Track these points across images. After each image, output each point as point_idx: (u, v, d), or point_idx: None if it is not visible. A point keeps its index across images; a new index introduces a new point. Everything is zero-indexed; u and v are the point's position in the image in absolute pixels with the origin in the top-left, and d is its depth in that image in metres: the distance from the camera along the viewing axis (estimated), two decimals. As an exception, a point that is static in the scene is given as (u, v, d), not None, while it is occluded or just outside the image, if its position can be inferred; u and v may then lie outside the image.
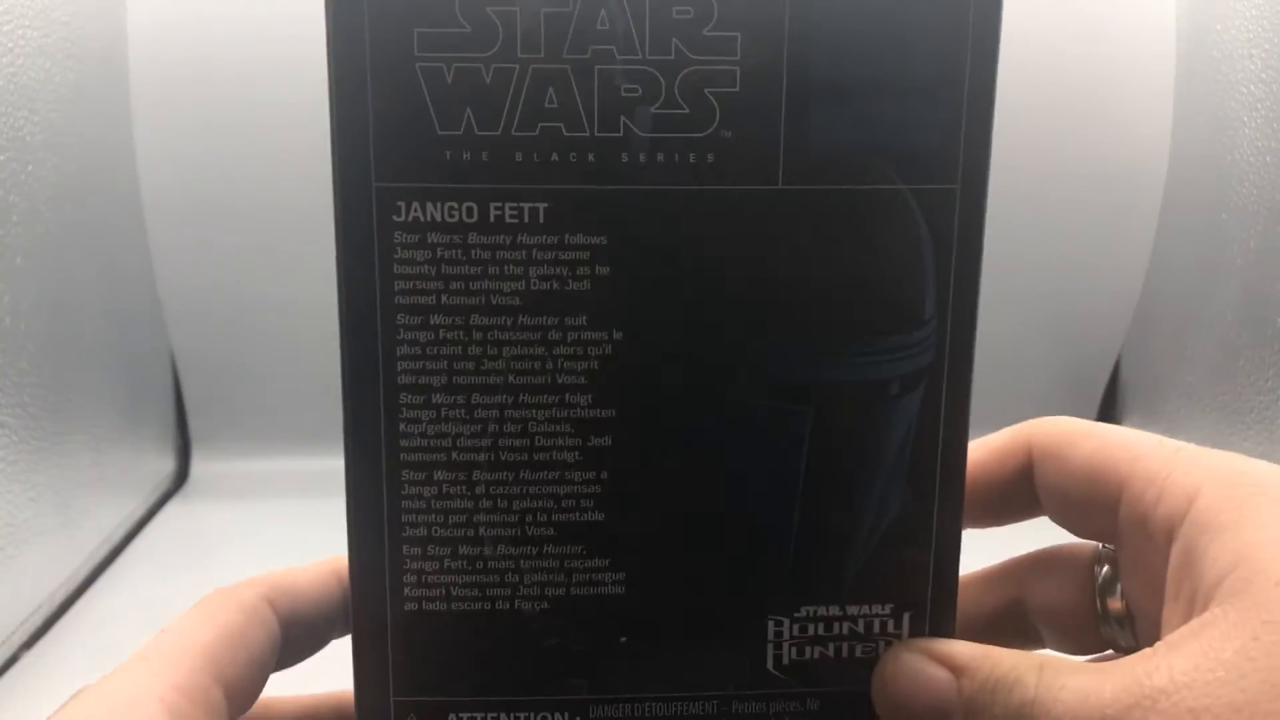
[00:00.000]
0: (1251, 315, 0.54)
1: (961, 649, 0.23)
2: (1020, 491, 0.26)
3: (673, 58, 0.22)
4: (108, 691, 0.21)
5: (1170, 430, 0.63)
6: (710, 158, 0.22)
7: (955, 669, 0.23)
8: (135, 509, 0.61)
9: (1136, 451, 0.24)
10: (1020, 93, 0.63)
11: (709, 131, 0.22)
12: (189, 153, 0.63)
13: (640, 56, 0.22)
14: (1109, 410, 0.72)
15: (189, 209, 0.64)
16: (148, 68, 0.62)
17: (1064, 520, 0.26)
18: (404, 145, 0.22)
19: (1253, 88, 0.55)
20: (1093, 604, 0.26)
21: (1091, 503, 0.24)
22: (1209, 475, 0.22)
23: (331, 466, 0.61)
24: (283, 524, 0.58)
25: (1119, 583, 0.25)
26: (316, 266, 0.61)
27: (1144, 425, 0.68)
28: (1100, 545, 0.26)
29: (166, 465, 0.67)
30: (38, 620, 0.49)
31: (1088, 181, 0.66)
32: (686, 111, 0.22)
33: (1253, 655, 0.19)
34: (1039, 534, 0.27)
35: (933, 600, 0.25)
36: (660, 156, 0.22)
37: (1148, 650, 0.20)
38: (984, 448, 0.26)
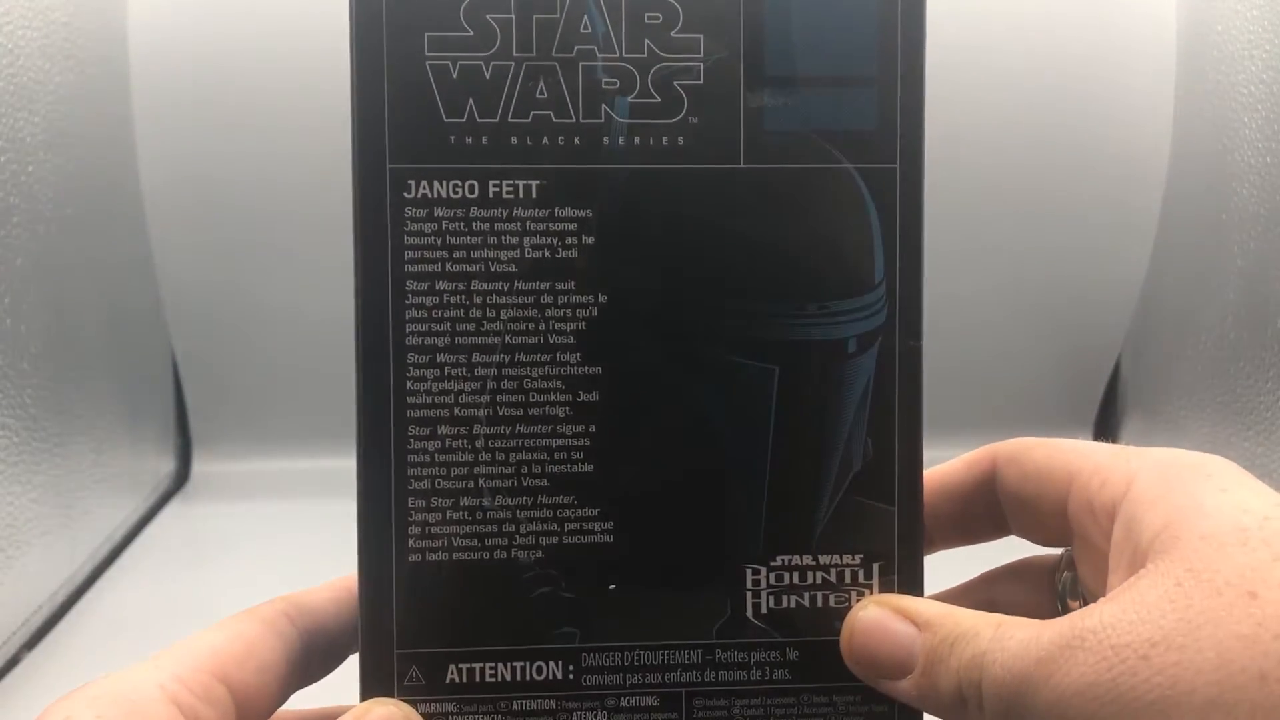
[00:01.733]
0: (1251, 315, 0.54)
1: (925, 606, 0.25)
2: (986, 501, 0.28)
3: (645, 55, 0.25)
4: (111, 679, 0.23)
5: (1170, 430, 0.63)
6: (680, 140, 0.25)
7: (919, 624, 0.25)
8: (136, 509, 0.61)
9: (1084, 451, 0.26)
10: (1021, 93, 0.65)
11: (678, 118, 0.25)
12: (189, 153, 0.64)
13: (618, 54, 0.25)
14: (1109, 410, 0.72)
15: (190, 210, 0.64)
16: (148, 68, 0.63)
17: (1024, 526, 0.28)
18: (414, 131, 0.25)
19: (1253, 89, 0.56)
20: (1055, 607, 0.28)
21: (1044, 500, 0.26)
22: (1147, 461, 0.24)
23: (332, 467, 0.56)
24: (283, 524, 0.58)
25: (1079, 585, 0.27)
26: (317, 267, 0.63)
27: (1144, 425, 0.68)
28: (1062, 553, 0.28)
29: (167, 465, 0.67)
30: (39, 621, 0.49)
31: (1088, 182, 0.66)
32: (658, 101, 0.25)
33: (1173, 598, 0.21)
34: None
35: (900, 551, 0.26)
36: (637, 140, 0.25)
37: (1089, 605, 0.22)
38: (952, 462, 0.29)
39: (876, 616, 0.25)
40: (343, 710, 0.25)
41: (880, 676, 0.25)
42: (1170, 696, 0.20)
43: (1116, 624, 0.21)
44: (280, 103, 0.62)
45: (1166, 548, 0.22)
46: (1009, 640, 0.22)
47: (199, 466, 0.68)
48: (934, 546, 0.29)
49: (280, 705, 0.25)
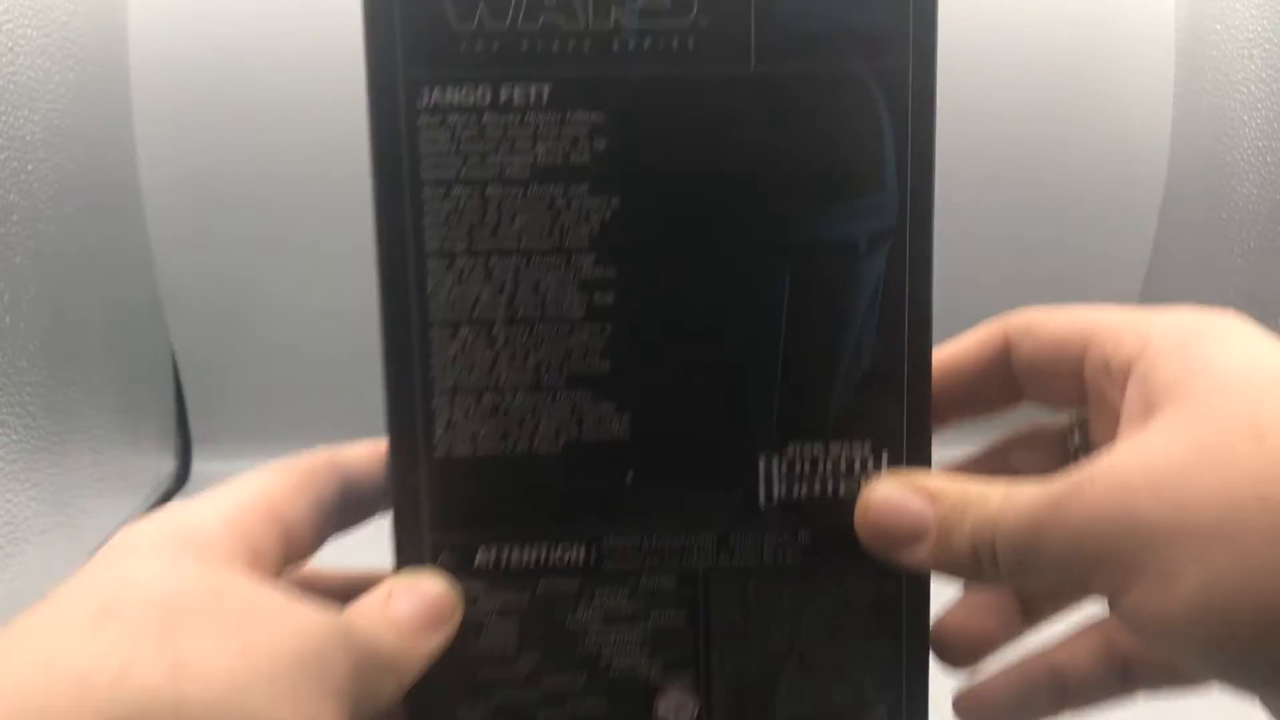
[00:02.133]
0: (1251, 315, 0.54)
1: (936, 479, 0.26)
2: (999, 373, 0.29)
3: (655, -45, 0.25)
4: (176, 510, 0.25)
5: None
6: (691, 43, 0.25)
7: (930, 495, 0.26)
8: (136, 508, 0.61)
9: (1099, 314, 0.27)
10: (1021, 93, 0.65)
11: (689, 20, 0.25)
12: (190, 151, 0.63)
13: (628, -45, 0.25)
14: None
15: (190, 208, 0.64)
16: (148, 67, 0.62)
17: (1039, 392, 0.29)
18: (426, 39, 0.25)
19: (1252, 87, 0.56)
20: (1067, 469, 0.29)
21: (1061, 364, 0.27)
22: (1163, 321, 0.25)
23: None
24: None
25: (1090, 444, 0.28)
26: (317, 265, 0.64)
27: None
28: (1073, 414, 0.29)
29: (167, 465, 0.67)
30: None
31: (1088, 182, 0.66)
32: (669, 3, 0.25)
33: (1182, 440, 0.22)
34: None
35: (908, 439, 0.27)
36: (647, 43, 0.25)
37: (1099, 452, 0.23)
38: (964, 339, 0.29)
39: (890, 491, 0.26)
40: (377, 575, 0.28)
41: (896, 547, 0.26)
42: (1179, 525, 0.21)
43: (1127, 464, 0.22)
44: (280, 101, 0.62)
45: (1176, 398, 0.23)
46: (1019, 496, 0.24)
47: (199, 466, 0.68)
48: (948, 422, 0.30)
49: (320, 545, 0.27)
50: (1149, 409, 0.23)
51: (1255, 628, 0.20)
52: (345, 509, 0.28)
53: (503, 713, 0.28)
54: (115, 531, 0.57)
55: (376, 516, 0.29)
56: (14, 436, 0.46)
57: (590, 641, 0.28)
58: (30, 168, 0.49)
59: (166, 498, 0.65)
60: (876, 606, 0.28)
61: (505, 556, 0.27)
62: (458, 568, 0.27)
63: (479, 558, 0.27)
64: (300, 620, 0.23)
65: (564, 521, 0.27)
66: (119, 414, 0.59)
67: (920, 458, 0.27)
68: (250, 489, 0.26)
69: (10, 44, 0.47)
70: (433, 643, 0.26)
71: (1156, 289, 0.67)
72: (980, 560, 0.24)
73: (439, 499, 0.27)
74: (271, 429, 0.67)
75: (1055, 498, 0.23)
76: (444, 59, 0.25)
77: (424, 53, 0.25)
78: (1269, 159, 0.54)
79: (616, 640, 0.28)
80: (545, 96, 0.26)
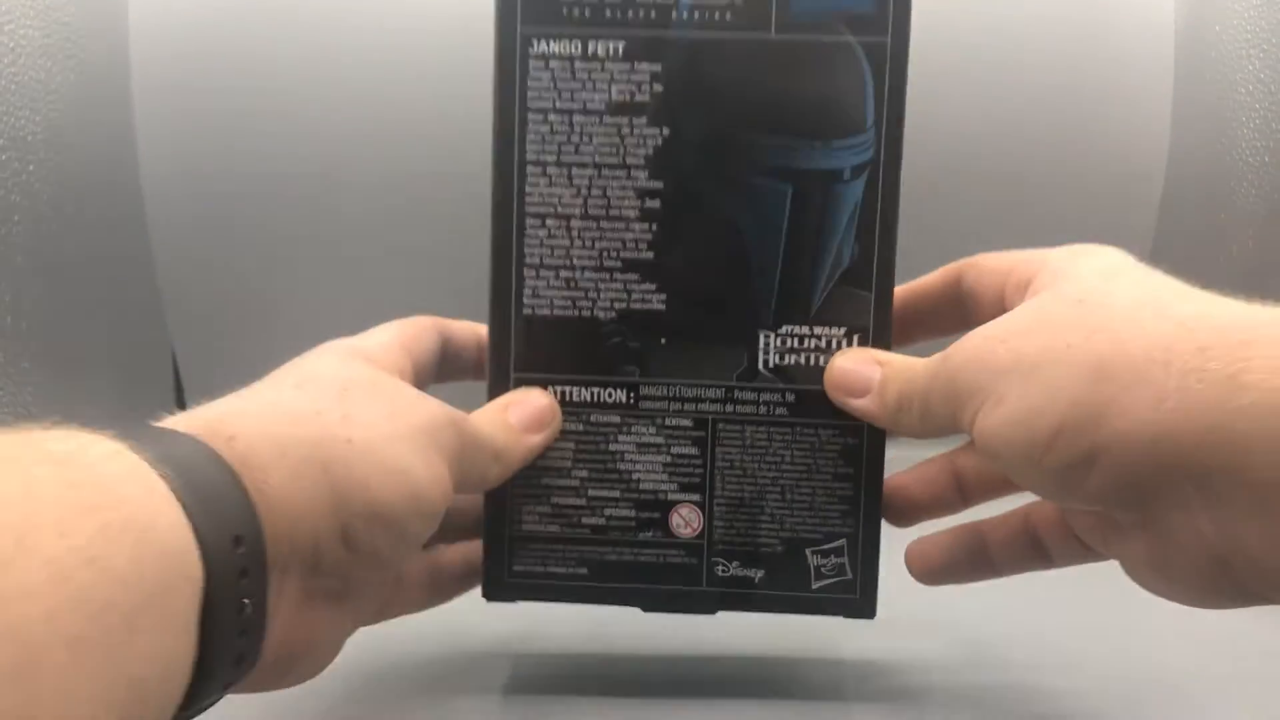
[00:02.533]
0: None
1: (885, 353, 0.35)
2: (953, 300, 0.37)
3: (705, -48, 0.35)
4: (343, 342, 0.35)
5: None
6: (728, 16, 0.35)
7: (879, 362, 0.35)
8: None
9: (1023, 252, 0.35)
10: (1019, 94, 0.65)
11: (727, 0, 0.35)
12: (190, 152, 0.63)
13: (685, -49, 0.35)
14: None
15: (190, 209, 0.64)
16: (149, 68, 0.62)
17: (978, 315, 0.36)
18: (538, 6, 0.35)
19: (1251, 88, 0.58)
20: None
21: (993, 287, 0.35)
22: (1060, 250, 0.33)
23: None
24: None
25: None
26: (318, 266, 0.65)
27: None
28: None
29: None
30: None
31: (1086, 182, 0.66)
32: (714, -13, 0.35)
33: (1031, 310, 0.31)
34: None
35: (874, 327, 0.36)
36: (696, 15, 0.35)
37: None
38: (929, 275, 0.38)
39: (849, 358, 0.35)
40: None
41: (849, 398, 0.35)
42: (1012, 365, 0.29)
43: (991, 327, 0.31)
44: (281, 102, 0.63)
45: (1037, 289, 0.32)
46: (929, 360, 0.33)
47: None
48: (915, 338, 0.38)
49: (430, 381, 0.37)
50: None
51: (1049, 435, 0.28)
52: (445, 361, 0.38)
53: (558, 512, 0.37)
54: None
55: (463, 378, 0.39)
56: None
57: (625, 463, 0.37)
58: (32, 168, 0.49)
59: None
60: (842, 454, 0.37)
61: (568, 394, 0.37)
62: (531, 399, 0.37)
63: (549, 391, 0.37)
64: (428, 406, 0.32)
65: (612, 370, 0.37)
66: (119, 413, 0.58)
67: (883, 341, 0.36)
68: (391, 331, 0.36)
69: (12, 45, 0.47)
70: (535, 441, 0.36)
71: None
72: (902, 409, 0.33)
73: (522, 347, 0.37)
74: None
75: (944, 354, 0.32)
76: (550, 20, 0.35)
77: (535, 15, 0.35)
78: (1267, 159, 0.56)
79: (645, 464, 0.37)
80: (620, 50, 0.35)
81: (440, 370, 0.38)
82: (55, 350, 0.50)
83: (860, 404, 0.35)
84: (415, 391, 0.33)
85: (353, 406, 0.30)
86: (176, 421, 0.28)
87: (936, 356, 0.32)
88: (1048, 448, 0.28)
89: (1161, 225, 0.67)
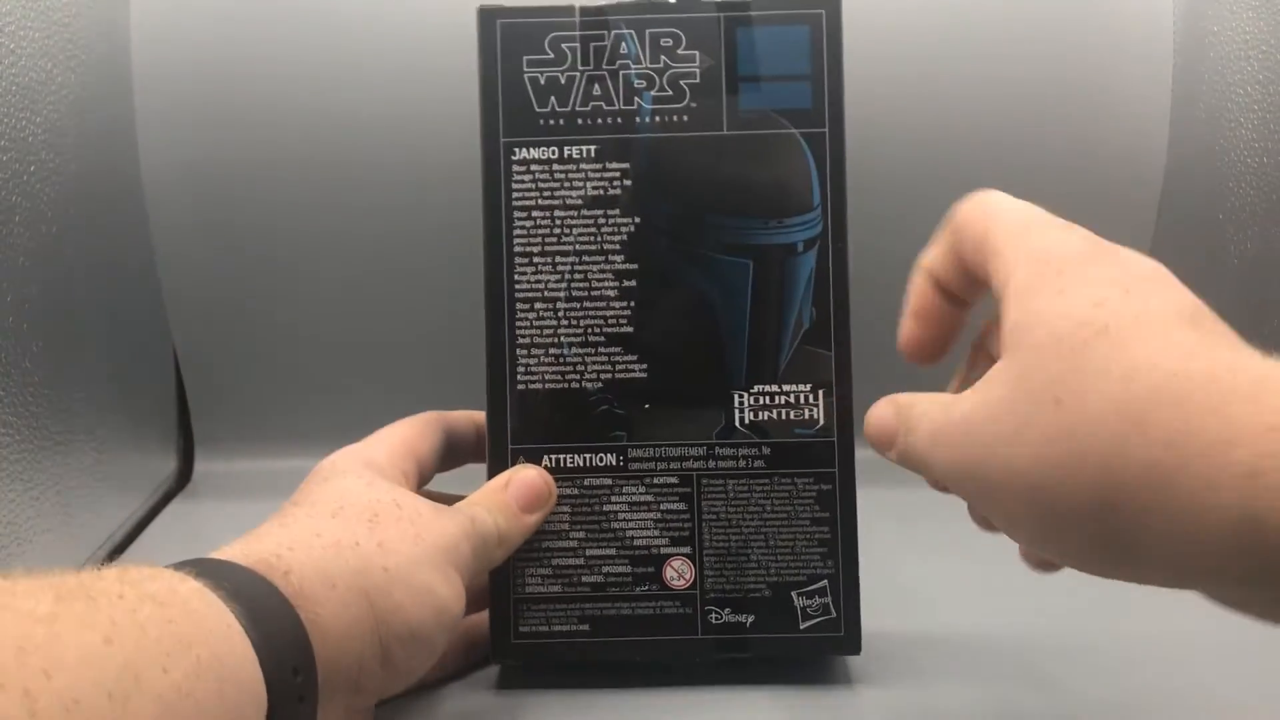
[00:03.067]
0: (1248, 315, 0.55)
1: (904, 397, 0.33)
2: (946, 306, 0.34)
3: (661, 65, 0.40)
4: (353, 449, 0.38)
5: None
6: (685, 118, 0.40)
7: (897, 405, 0.33)
8: (138, 508, 0.61)
9: (995, 248, 0.30)
10: (1018, 94, 0.65)
11: (684, 104, 0.40)
12: (192, 153, 0.63)
13: (645, 65, 0.40)
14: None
15: (192, 210, 0.64)
16: (150, 69, 0.62)
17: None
18: (518, 117, 0.40)
19: (1249, 89, 0.56)
20: None
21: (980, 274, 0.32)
22: (1024, 254, 0.29)
23: None
24: None
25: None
26: (319, 267, 0.65)
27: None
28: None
29: (169, 465, 0.67)
30: None
31: (1084, 183, 0.65)
32: (670, 94, 0.40)
33: (1009, 404, 0.27)
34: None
35: (836, 381, 0.40)
36: (658, 118, 0.40)
37: (964, 394, 0.30)
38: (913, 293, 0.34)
39: (877, 406, 0.33)
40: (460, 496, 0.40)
41: (881, 450, 0.33)
42: (1007, 478, 0.26)
43: (971, 421, 0.28)
44: (282, 104, 0.63)
45: (1010, 349, 0.27)
46: (920, 430, 0.30)
47: (201, 466, 0.67)
48: (951, 344, 0.34)
49: (434, 475, 0.41)
50: (1000, 349, 0.28)
51: (1034, 539, 0.28)
52: (448, 453, 0.42)
53: (558, 573, 0.40)
54: (118, 532, 0.60)
55: (465, 464, 0.43)
56: (16, 437, 0.46)
57: (619, 522, 0.40)
58: (33, 169, 0.48)
59: (168, 498, 0.65)
60: (818, 500, 0.40)
61: (562, 460, 0.40)
62: (529, 469, 0.40)
63: (544, 461, 0.40)
64: (444, 524, 0.35)
65: (602, 436, 0.40)
66: (121, 414, 0.59)
67: (844, 393, 0.40)
68: (397, 436, 0.40)
69: (12, 46, 0.47)
70: (533, 521, 0.39)
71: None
72: (913, 466, 0.32)
73: (517, 419, 0.40)
74: (273, 429, 0.67)
75: (933, 438, 0.29)
76: (529, 130, 0.40)
77: (516, 128, 0.40)
78: (1266, 160, 0.54)
79: (637, 521, 0.40)
80: (592, 153, 0.40)
81: (444, 461, 0.42)
82: (57, 351, 0.50)
83: (890, 456, 0.33)
84: (431, 509, 0.36)
85: (385, 534, 0.34)
86: (235, 552, 0.31)
87: (926, 427, 0.30)
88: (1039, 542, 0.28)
89: (1159, 227, 0.66)
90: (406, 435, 0.40)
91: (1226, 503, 0.22)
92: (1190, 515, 0.23)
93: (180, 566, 0.28)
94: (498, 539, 0.38)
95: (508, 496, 0.39)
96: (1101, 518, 0.25)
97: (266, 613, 0.28)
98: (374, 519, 0.34)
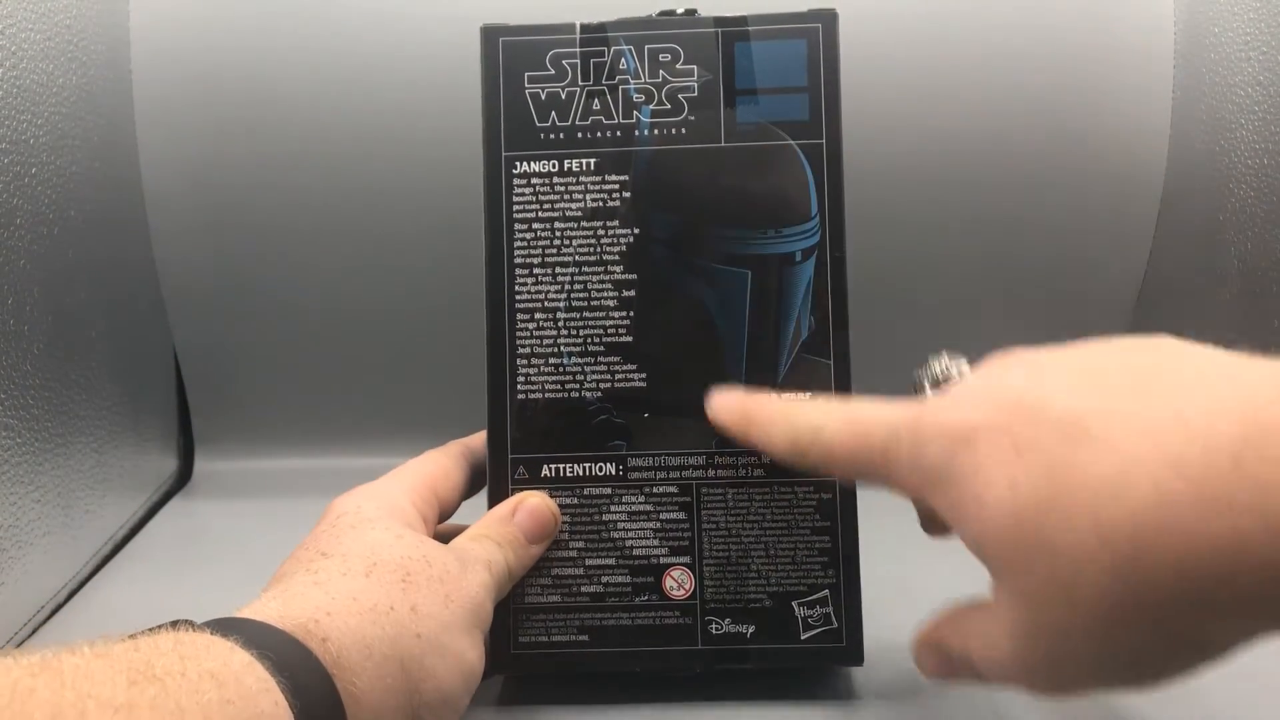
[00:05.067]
0: (1248, 316, 0.55)
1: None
2: None
3: (660, 79, 0.41)
4: (370, 487, 0.39)
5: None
6: (684, 130, 0.41)
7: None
8: (138, 508, 0.61)
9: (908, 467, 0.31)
10: (1018, 94, 0.65)
11: (682, 117, 0.41)
12: (192, 154, 0.63)
13: (644, 80, 0.41)
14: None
15: (192, 210, 0.64)
16: (150, 71, 0.62)
17: None
18: (519, 132, 0.41)
19: (1250, 90, 0.56)
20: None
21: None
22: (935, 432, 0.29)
23: (335, 466, 0.62)
24: (286, 523, 0.54)
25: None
26: (319, 267, 0.65)
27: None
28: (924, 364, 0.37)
29: (169, 464, 0.67)
30: (41, 619, 0.49)
31: (1085, 185, 0.65)
32: (669, 107, 0.41)
33: (1021, 635, 0.28)
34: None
35: (835, 390, 0.40)
36: (657, 131, 0.41)
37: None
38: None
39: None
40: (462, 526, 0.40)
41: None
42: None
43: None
44: (282, 104, 0.63)
45: (1009, 579, 0.28)
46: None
47: (201, 465, 0.67)
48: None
49: (459, 505, 0.41)
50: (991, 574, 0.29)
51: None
52: (473, 481, 0.42)
53: (558, 583, 0.40)
54: (118, 533, 0.59)
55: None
56: (17, 439, 0.46)
57: (619, 532, 0.40)
58: (33, 171, 0.48)
59: (169, 497, 0.65)
60: (818, 509, 0.40)
61: (562, 470, 0.40)
62: (530, 478, 0.40)
63: (544, 471, 0.40)
64: (469, 581, 0.36)
65: (602, 445, 0.40)
66: (122, 415, 0.59)
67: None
68: (417, 473, 0.40)
69: (13, 48, 0.47)
70: (540, 550, 0.39)
71: (1153, 292, 0.66)
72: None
73: (517, 429, 0.41)
74: (274, 429, 0.67)
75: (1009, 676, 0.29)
76: (530, 145, 0.41)
77: (517, 142, 0.41)
78: (1266, 162, 0.54)
79: (637, 531, 0.40)
80: (592, 165, 0.41)
81: (468, 491, 0.42)
82: (58, 352, 0.51)
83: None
84: (457, 564, 0.36)
85: (417, 596, 0.34)
86: (272, 613, 0.32)
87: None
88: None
89: (1160, 228, 0.66)
90: (431, 474, 0.40)
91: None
92: None
93: (225, 630, 0.29)
94: (509, 578, 0.38)
95: (515, 528, 0.39)
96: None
97: (307, 687, 0.29)
98: (406, 579, 0.34)
